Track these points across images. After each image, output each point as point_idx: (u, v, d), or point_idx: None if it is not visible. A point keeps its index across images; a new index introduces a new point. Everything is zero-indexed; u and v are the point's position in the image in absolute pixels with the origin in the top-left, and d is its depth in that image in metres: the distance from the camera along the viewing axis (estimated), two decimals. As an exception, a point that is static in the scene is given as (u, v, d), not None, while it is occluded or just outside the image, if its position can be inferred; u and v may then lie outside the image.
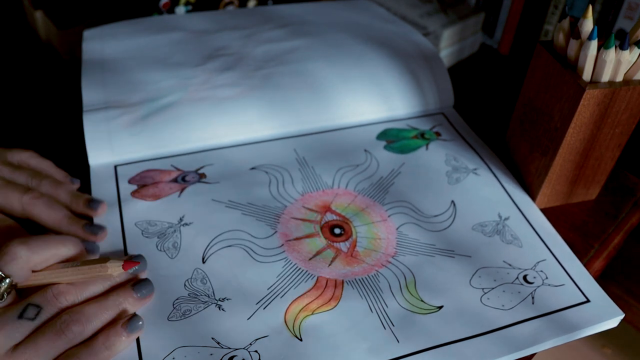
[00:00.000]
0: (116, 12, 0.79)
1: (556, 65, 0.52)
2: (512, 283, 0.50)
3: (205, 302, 0.47)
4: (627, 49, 0.47)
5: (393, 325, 0.46)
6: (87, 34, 0.72)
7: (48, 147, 0.61)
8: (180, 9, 0.82)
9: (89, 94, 0.62)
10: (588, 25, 0.49)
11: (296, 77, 0.66)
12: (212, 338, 0.44)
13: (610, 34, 0.48)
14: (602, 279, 0.50)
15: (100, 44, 0.70)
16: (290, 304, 0.47)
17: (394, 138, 0.64)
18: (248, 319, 0.46)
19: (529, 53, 0.86)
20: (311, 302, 0.47)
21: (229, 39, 0.72)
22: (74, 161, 0.59)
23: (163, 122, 0.60)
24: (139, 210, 0.54)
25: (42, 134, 0.65)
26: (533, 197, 0.58)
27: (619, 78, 0.50)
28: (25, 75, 0.75)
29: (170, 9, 0.82)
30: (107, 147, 0.58)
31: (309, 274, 0.50)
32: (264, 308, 0.47)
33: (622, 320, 0.50)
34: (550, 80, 0.53)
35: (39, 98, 0.71)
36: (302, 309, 0.47)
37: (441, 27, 0.82)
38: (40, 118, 0.67)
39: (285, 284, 0.49)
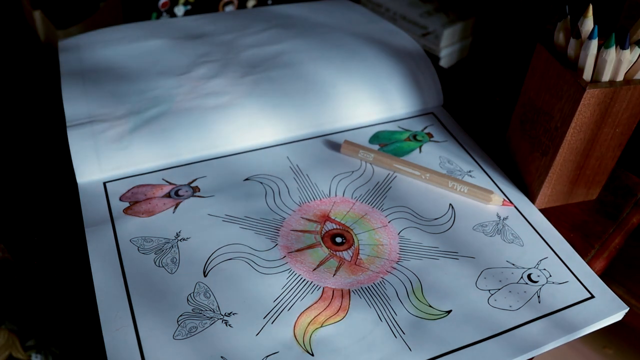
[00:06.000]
0: (115, 12, 0.78)
1: (556, 64, 0.52)
2: (517, 283, 0.50)
3: (211, 317, 0.46)
4: (627, 48, 0.48)
5: (404, 333, 0.46)
6: (63, 44, 0.70)
7: (47, 150, 0.59)
8: (180, 9, 0.81)
9: (72, 108, 0.60)
10: (588, 24, 0.50)
11: (284, 82, 0.65)
12: (222, 357, 0.43)
13: (611, 33, 0.48)
14: (603, 279, 0.51)
15: (77, 54, 0.68)
16: (298, 317, 0.46)
17: (387, 141, 0.64)
18: (257, 334, 0.45)
19: (530, 52, 0.86)
20: (319, 314, 0.47)
21: (211, 44, 0.71)
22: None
23: (151, 134, 0.59)
24: (133, 227, 0.52)
25: (40, 135, 0.64)
26: (533, 197, 0.58)
27: (620, 77, 0.50)
28: (24, 75, 0.74)
29: (170, 9, 0.80)
30: (95, 163, 0.57)
31: (314, 284, 0.49)
32: (272, 322, 0.46)
33: (623, 321, 0.50)
34: (550, 80, 0.53)
35: (38, 98, 0.69)
36: (310, 321, 0.46)
37: (441, 26, 0.82)
38: (40, 119, 0.66)
39: (291, 295, 0.48)
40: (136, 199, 0.55)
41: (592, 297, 0.49)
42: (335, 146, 0.63)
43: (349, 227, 0.54)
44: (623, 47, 0.48)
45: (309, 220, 0.54)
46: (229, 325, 0.45)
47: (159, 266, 0.49)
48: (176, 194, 0.56)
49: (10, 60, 0.77)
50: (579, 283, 0.50)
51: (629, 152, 0.63)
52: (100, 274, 0.48)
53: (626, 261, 0.64)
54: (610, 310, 0.48)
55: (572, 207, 0.59)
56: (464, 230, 0.54)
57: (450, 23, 0.86)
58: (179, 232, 0.52)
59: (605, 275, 0.54)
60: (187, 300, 0.47)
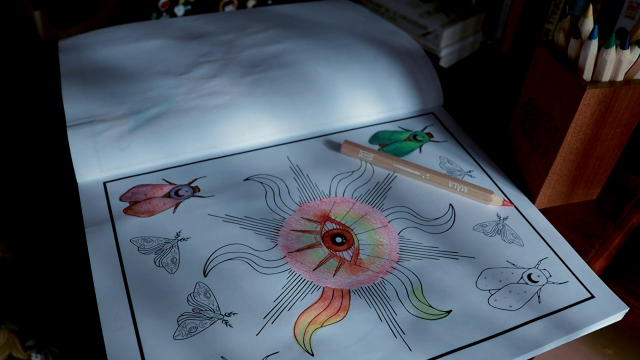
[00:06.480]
0: (115, 12, 0.78)
1: (557, 64, 0.52)
2: (517, 283, 0.50)
3: (211, 317, 0.46)
4: (627, 48, 0.48)
5: (404, 333, 0.46)
6: (63, 44, 0.70)
7: (47, 150, 0.60)
8: (180, 9, 0.81)
9: (72, 108, 0.60)
10: (588, 24, 0.50)
11: (284, 82, 0.65)
12: (222, 357, 0.43)
13: (611, 33, 0.48)
14: (603, 280, 0.51)
15: (78, 54, 0.68)
16: (298, 317, 0.46)
17: (387, 141, 0.64)
18: (257, 334, 0.45)
19: (530, 52, 0.87)
20: (319, 314, 0.47)
21: (211, 44, 0.71)
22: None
23: (151, 134, 0.59)
24: (133, 227, 0.52)
25: (40, 135, 0.64)
26: (533, 197, 0.58)
27: (620, 77, 0.50)
28: (24, 75, 0.74)
29: (170, 9, 0.80)
30: (95, 163, 0.57)
31: (314, 284, 0.49)
32: (272, 322, 0.46)
33: (624, 321, 0.50)
34: (550, 80, 0.53)
35: (38, 98, 0.69)
36: (310, 321, 0.46)
37: (441, 26, 0.82)
38: (40, 119, 0.66)
39: (291, 295, 0.48)
40: (136, 199, 0.55)
41: (592, 297, 0.49)
42: (335, 146, 0.63)
43: (349, 227, 0.54)
44: (623, 47, 0.48)
45: (309, 220, 0.54)
46: (229, 325, 0.45)
47: (159, 266, 0.49)
48: (176, 194, 0.56)
49: (11, 60, 0.76)
50: (579, 283, 0.50)
51: (629, 152, 0.63)
52: (100, 274, 0.48)
53: (626, 261, 0.63)
54: (610, 310, 0.48)
55: (572, 207, 0.59)
56: (464, 230, 0.54)
57: (450, 23, 0.86)
58: (179, 232, 0.52)
59: (605, 276, 0.54)
60: (187, 300, 0.47)
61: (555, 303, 0.49)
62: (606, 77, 0.50)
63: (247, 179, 0.58)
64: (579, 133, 0.52)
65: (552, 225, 0.55)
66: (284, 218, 0.54)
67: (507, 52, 0.91)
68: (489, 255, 0.52)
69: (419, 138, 0.64)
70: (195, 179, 0.57)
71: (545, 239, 0.54)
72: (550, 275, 0.51)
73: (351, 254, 0.52)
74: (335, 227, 0.54)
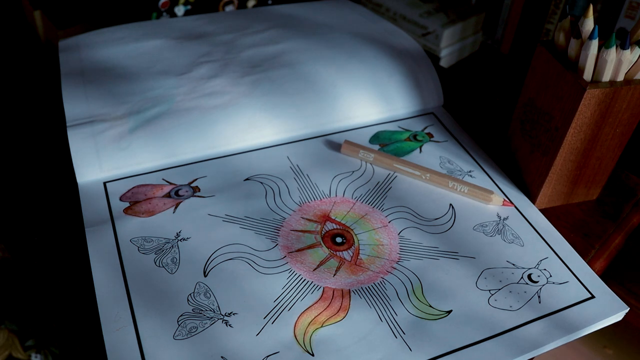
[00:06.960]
0: (115, 12, 0.78)
1: (557, 64, 0.52)
2: (517, 283, 0.50)
3: (211, 317, 0.46)
4: (628, 48, 0.48)
5: (404, 333, 0.46)
6: (63, 44, 0.70)
7: (47, 150, 0.60)
8: (180, 9, 0.81)
9: (72, 108, 0.60)
10: (589, 24, 0.50)
11: (284, 82, 0.65)
12: (222, 357, 0.43)
13: (611, 34, 0.48)
14: (603, 280, 0.51)
15: (78, 54, 0.68)
16: (298, 317, 0.46)
17: (387, 141, 0.64)
18: (257, 334, 0.45)
19: (530, 52, 0.87)
20: (319, 314, 0.47)
21: (211, 44, 0.71)
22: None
23: (151, 134, 0.59)
24: (133, 226, 0.52)
25: (40, 135, 0.64)
26: (534, 197, 0.58)
27: (620, 78, 0.50)
28: (24, 75, 0.74)
29: (170, 9, 0.80)
30: (95, 163, 0.57)
31: (314, 284, 0.49)
32: (272, 322, 0.46)
33: (624, 321, 0.50)
34: (550, 80, 0.53)
35: (38, 98, 0.69)
36: (311, 321, 0.46)
37: (441, 26, 0.82)
38: (40, 119, 0.66)
39: (292, 296, 0.48)
40: (136, 199, 0.55)
41: (593, 297, 0.49)
42: (335, 146, 0.63)
43: (349, 227, 0.54)
44: (623, 47, 0.48)
45: (309, 220, 0.54)
46: (229, 325, 0.45)
47: (159, 266, 0.49)
48: (176, 194, 0.56)
49: (10, 60, 0.77)
50: (579, 283, 0.50)
51: (629, 152, 0.63)
52: (100, 274, 0.48)
53: (626, 261, 0.63)
54: (610, 311, 0.48)
55: (573, 207, 0.59)
56: (464, 230, 0.54)
57: (450, 23, 0.86)
58: (179, 232, 0.52)
59: (606, 276, 0.54)
60: (188, 300, 0.47)
61: (555, 303, 0.49)
62: (606, 77, 0.50)
63: (247, 179, 0.58)
64: (579, 133, 0.52)
65: (552, 225, 0.55)
66: (284, 218, 0.54)
67: (507, 52, 0.92)
68: (489, 255, 0.52)
69: (419, 138, 0.64)
70: (196, 179, 0.57)
71: (546, 239, 0.54)
72: (551, 276, 0.51)
73: (351, 254, 0.52)
74: (335, 227, 0.54)
